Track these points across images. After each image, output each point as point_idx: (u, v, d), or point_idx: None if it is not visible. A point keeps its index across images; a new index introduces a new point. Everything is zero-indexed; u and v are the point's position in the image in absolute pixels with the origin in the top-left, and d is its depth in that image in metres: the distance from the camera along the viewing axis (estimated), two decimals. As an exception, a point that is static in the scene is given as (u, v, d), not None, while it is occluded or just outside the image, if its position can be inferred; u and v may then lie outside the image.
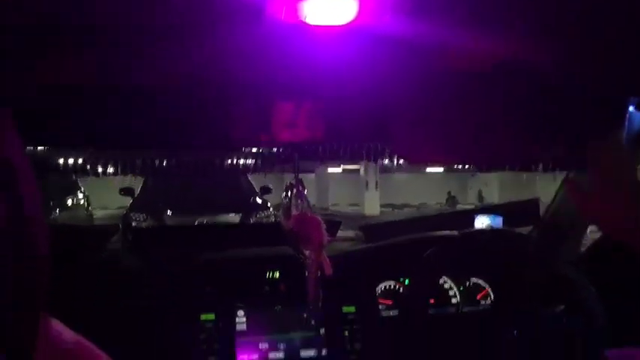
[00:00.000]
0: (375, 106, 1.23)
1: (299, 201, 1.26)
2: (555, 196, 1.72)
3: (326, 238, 1.23)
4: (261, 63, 1.07)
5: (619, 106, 1.24)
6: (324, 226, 1.24)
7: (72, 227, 2.24)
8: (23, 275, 0.44)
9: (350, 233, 2.28)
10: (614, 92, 1.19)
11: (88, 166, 1.15)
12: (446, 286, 1.71)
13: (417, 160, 1.33)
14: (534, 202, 1.79)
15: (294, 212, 1.25)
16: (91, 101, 1.09)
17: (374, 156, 1.31)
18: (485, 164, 1.30)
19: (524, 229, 1.73)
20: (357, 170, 17.68)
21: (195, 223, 5.28)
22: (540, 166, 1.31)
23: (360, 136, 1.31)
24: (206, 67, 1.06)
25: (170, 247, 1.71)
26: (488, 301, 1.69)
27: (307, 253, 1.23)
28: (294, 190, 1.25)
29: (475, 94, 1.14)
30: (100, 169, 1.17)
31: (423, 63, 1.03)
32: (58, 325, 0.70)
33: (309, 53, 1.03)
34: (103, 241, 1.68)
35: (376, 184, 16.41)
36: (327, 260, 1.22)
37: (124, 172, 1.19)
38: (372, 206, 16.00)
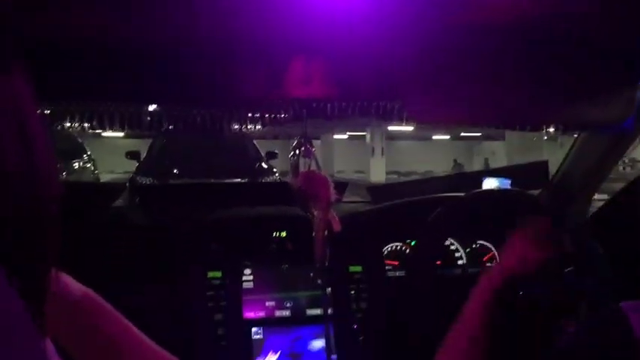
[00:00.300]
0: (386, 63, 1.20)
1: (307, 159, 1.24)
2: (565, 157, 1.70)
3: (334, 196, 1.22)
4: (271, 19, 1.04)
5: (633, 65, 1.22)
6: (331, 184, 1.23)
7: (78, 184, 2.24)
8: (37, 218, 0.43)
9: (356, 199, 2.27)
10: (630, 50, 1.17)
11: (95, 122, 1.14)
12: (452, 247, 1.71)
13: (427, 119, 1.31)
14: (543, 164, 1.78)
15: (301, 170, 1.23)
16: (100, 57, 1.08)
17: (383, 114, 1.29)
18: (495, 123, 1.28)
19: (533, 192, 1.72)
20: (363, 137, 17.63)
21: (201, 187, 5.31)
22: (552, 127, 1.29)
23: (369, 94, 1.29)
24: (215, 23, 1.04)
25: (177, 205, 1.71)
26: (494, 264, 1.69)
27: (314, 211, 1.22)
28: (302, 148, 1.23)
29: (489, 49, 1.12)
30: (106, 125, 1.15)
31: (437, 17, 1.01)
32: (66, 278, 0.70)
33: (319, 9, 1.00)
34: (110, 199, 1.68)
35: (382, 150, 16.37)
36: (336, 218, 1.21)
37: (131, 128, 1.18)
38: (377, 173, 16.00)
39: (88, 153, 9.32)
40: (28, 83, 0.45)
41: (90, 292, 0.74)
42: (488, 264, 1.69)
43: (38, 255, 0.45)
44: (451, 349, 1.05)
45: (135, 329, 0.76)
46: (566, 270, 1.43)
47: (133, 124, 1.19)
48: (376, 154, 16.46)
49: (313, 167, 1.23)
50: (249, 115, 1.25)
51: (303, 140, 1.24)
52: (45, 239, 0.45)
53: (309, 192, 1.21)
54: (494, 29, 1.05)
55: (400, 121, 1.31)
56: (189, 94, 1.21)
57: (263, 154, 8.02)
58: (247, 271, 1.50)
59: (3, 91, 0.41)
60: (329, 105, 1.29)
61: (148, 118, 1.21)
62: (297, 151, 1.25)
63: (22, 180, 0.41)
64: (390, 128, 17.11)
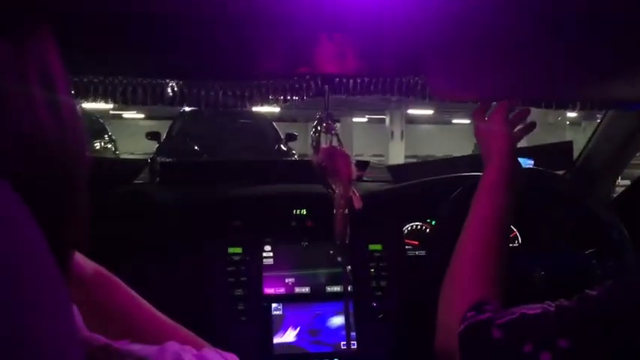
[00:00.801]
0: (410, 38, 1.18)
1: (328, 135, 1.23)
2: (590, 139, 1.67)
3: (355, 172, 1.21)
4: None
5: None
6: (353, 160, 1.22)
7: (100, 159, 2.26)
8: (66, 185, 0.43)
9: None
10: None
11: (118, 96, 1.14)
12: (474, 227, 1.69)
13: (450, 96, 1.29)
14: (568, 145, 1.75)
15: (322, 146, 1.23)
16: (122, 31, 1.08)
17: (406, 90, 1.27)
18: (520, 100, 1.26)
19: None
20: (383, 120, 17.53)
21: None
22: (578, 105, 1.26)
23: (392, 70, 1.28)
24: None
25: (198, 182, 1.71)
26: (516, 244, 1.67)
27: (335, 187, 1.21)
28: (324, 125, 1.22)
29: (515, 24, 1.09)
30: (129, 99, 1.16)
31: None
32: (78, 256, 0.70)
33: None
34: (131, 174, 1.69)
35: (401, 133, 16.27)
36: (357, 194, 1.20)
37: (153, 102, 1.18)
38: (396, 157, 15.91)
39: (109, 134, 9.40)
40: (57, 49, 0.44)
41: (101, 268, 0.74)
42: (510, 244, 1.67)
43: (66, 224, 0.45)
44: (466, 236, 1.02)
45: (147, 304, 0.77)
46: (587, 252, 1.41)
47: (156, 99, 1.19)
48: (395, 137, 16.36)
49: (335, 144, 1.22)
50: (271, 90, 1.24)
51: (324, 116, 1.23)
52: (73, 207, 0.45)
53: (330, 168, 1.20)
54: (523, 3, 1.03)
55: (423, 97, 1.29)
56: (210, 69, 1.21)
57: (282, 136, 8.02)
58: (267, 247, 1.50)
59: (33, 56, 0.40)
60: (351, 81, 1.28)
61: (170, 93, 1.21)
62: (319, 128, 1.24)
63: (53, 146, 0.40)
64: (410, 112, 16.99)
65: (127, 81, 1.15)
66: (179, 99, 1.22)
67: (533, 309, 0.79)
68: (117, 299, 0.73)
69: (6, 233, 0.25)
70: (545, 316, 0.77)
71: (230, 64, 1.21)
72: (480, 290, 0.89)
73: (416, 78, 1.27)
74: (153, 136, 7.97)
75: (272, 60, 1.22)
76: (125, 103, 1.15)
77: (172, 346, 0.53)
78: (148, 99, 1.18)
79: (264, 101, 1.24)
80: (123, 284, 0.75)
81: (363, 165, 1.75)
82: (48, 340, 0.27)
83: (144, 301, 0.76)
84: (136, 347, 0.50)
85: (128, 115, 18.12)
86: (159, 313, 0.77)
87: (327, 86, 1.25)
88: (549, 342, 0.73)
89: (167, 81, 1.18)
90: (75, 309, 0.45)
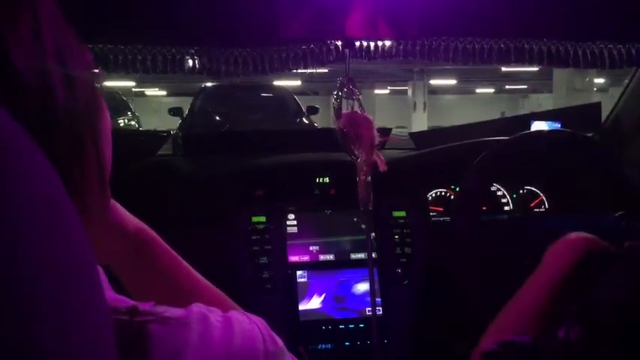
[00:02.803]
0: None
1: (350, 101, 1.21)
2: (619, 100, 1.63)
3: (377, 137, 1.20)
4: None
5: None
6: (375, 125, 1.20)
7: (123, 132, 2.28)
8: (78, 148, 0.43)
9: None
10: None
11: (138, 65, 1.14)
12: (498, 193, 1.67)
13: (474, 58, 1.26)
14: (596, 107, 1.70)
15: (344, 112, 1.21)
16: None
17: (428, 53, 1.25)
18: (547, 61, 1.23)
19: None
20: (405, 91, 17.35)
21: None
22: (607, 63, 1.23)
23: (414, 32, 1.25)
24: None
25: (220, 152, 1.71)
26: (542, 209, 1.65)
27: (358, 153, 1.20)
28: (345, 90, 1.20)
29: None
30: (149, 68, 1.15)
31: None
32: (121, 209, 0.71)
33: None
34: (154, 146, 1.70)
35: (424, 105, 16.10)
36: (381, 157, 1.19)
37: (173, 71, 1.17)
38: (419, 128, 15.74)
39: (133, 111, 9.48)
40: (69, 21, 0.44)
41: (144, 225, 0.75)
42: (536, 210, 1.65)
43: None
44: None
45: (184, 262, 0.77)
46: (616, 214, 1.38)
47: (176, 68, 1.19)
48: (418, 108, 16.19)
49: (357, 109, 1.21)
50: (291, 56, 1.23)
51: (345, 81, 1.21)
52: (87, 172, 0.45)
53: (352, 133, 1.19)
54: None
55: (446, 60, 1.26)
56: (230, 37, 1.20)
57: (304, 109, 7.99)
58: (291, 216, 1.51)
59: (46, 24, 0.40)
60: (372, 44, 1.26)
61: (190, 62, 1.20)
62: (340, 93, 1.22)
63: (64, 112, 0.40)
64: (433, 82, 16.78)
65: (146, 50, 1.15)
66: (199, 67, 1.21)
67: None
68: (159, 254, 0.74)
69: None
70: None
71: (249, 31, 1.20)
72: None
73: (439, 40, 1.24)
74: (175, 112, 8.01)
75: (292, 26, 1.20)
76: (145, 71, 1.14)
77: (198, 307, 0.53)
78: (168, 68, 1.17)
79: (285, 67, 1.23)
80: (162, 241, 0.76)
81: (385, 131, 1.73)
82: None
83: (181, 259, 0.77)
84: (162, 309, 0.50)
85: (150, 92, 18.24)
86: (194, 271, 0.78)
87: (347, 50, 1.23)
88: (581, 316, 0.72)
89: (187, 49, 1.17)
90: (100, 270, 0.45)
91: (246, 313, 0.57)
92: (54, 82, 0.39)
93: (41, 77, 0.38)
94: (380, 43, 1.27)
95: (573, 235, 1.04)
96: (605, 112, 1.73)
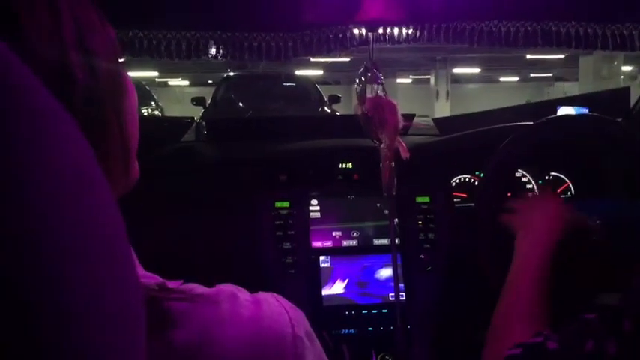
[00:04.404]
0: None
1: (374, 85, 1.21)
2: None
3: (401, 122, 1.19)
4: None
5: None
6: (399, 109, 1.20)
7: (147, 118, 2.30)
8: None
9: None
10: None
11: (163, 49, 1.14)
12: (524, 179, 1.65)
13: (500, 42, 1.24)
14: (624, 91, 1.67)
15: (368, 96, 1.20)
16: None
17: (453, 37, 1.23)
18: (574, 43, 1.20)
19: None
20: (428, 80, 17.19)
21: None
22: (638, 45, 1.20)
23: (438, 17, 1.24)
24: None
25: (244, 138, 1.72)
26: (569, 195, 1.63)
27: (382, 138, 1.19)
28: (369, 74, 1.20)
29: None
30: (173, 54, 1.16)
31: None
32: None
33: None
34: (178, 133, 1.71)
35: (447, 93, 15.95)
36: (404, 144, 1.18)
37: (197, 56, 1.18)
38: (442, 117, 15.60)
39: (156, 100, 9.56)
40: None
41: None
42: (562, 196, 1.63)
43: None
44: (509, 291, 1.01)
45: None
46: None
47: (200, 53, 1.19)
48: (441, 97, 16.04)
49: (380, 93, 1.20)
50: (315, 41, 1.22)
51: (369, 65, 1.20)
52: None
53: (376, 118, 1.18)
54: None
55: (471, 44, 1.25)
56: (253, 22, 1.20)
57: (326, 98, 7.98)
58: (314, 201, 1.51)
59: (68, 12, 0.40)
60: (395, 29, 1.25)
61: (213, 47, 1.21)
62: (364, 78, 1.22)
63: (87, 94, 0.41)
64: (455, 71, 16.60)
65: (171, 35, 1.16)
66: (223, 53, 1.21)
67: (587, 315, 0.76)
68: None
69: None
70: (600, 315, 0.74)
71: (273, 16, 1.20)
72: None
73: (463, 23, 1.22)
74: (198, 101, 8.06)
75: (315, 11, 1.20)
76: (169, 57, 1.15)
77: (227, 286, 0.53)
78: (192, 53, 1.18)
79: (308, 52, 1.22)
80: None
81: (409, 116, 1.72)
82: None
83: None
84: (191, 286, 0.50)
85: (174, 82, 18.36)
86: None
87: (371, 34, 1.22)
88: (613, 329, 0.70)
89: (210, 34, 1.17)
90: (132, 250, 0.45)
91: (274, 294, 0.57)
92: (73, 61, 0.40)
93: (60, 56, 0.38)
94: (404, 28, 1.26)
95: (538, 220, 1.06)
96: (633, 99, 1.69)
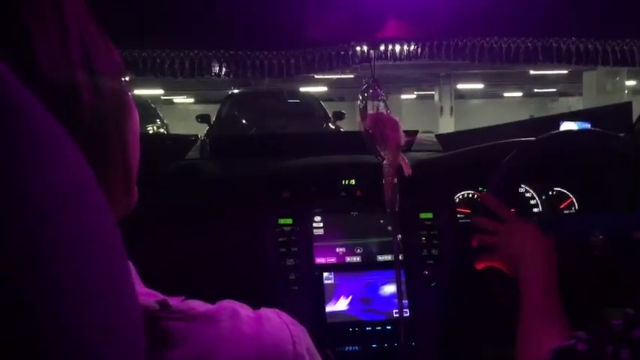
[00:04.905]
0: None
1: (375, 102, 1.22)
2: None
3: (403, 138, 1.20)
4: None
5: None
6: (401, 126, 1.20)
7: (151, 135, 2.31)
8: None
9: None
10: None
11: (166, 67, 1.16)
12: (527, 195, 1.65)
13: (501, 58, 1.25)
14: (627, 107, 1.67)
15: (370, 112, 1.21)
16: (165, 2, 1.09)
17: (454, 53, 1.24)
18: (575, 59, 1.21)
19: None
20: (432, 96, 17.24)
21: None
22: (638, 61, 1.21)
23: (439, 34, 1.25)
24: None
25: (247, 154, 1.73)
26: (573, 210, 1.63)
27: (384, 155, 1.20)
28: (371, 91, 1.21)
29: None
30: (177, 72, 1.17)
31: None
32: None
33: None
34: (183, 150, 1.72)
35: (451, 109, 15.98)
36: (406, 161, 1.19)
37: (200, 74, 1.19)
38: (446, 133, 15.61)
39: (162, 118, 9.62)
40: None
41: None
42: (566, 211, 1.62)
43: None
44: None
45: None
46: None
47: (203, 71, 1.20)
48: (445, 113, 16.06)
49: (382, 110, 1.21)
50: (317, 58, 1.23)
51: (371, 82, 1.21)
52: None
53: (378, 134, 1.19)
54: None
55: (472, 60, 1.26)
56: (256, 38, 1.21)
57: (330, 114, 8.01)
58: (317, 218, 1.51)
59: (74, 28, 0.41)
60: (397, 46, 1.26)
61: (216, 65, 1.22)
62: (366, 94, 1.23)
63: (92, 112, 0.41)
64: (459, 86, 16.65)
65: (174, 54, 1.17)
66: (226, 70, 1.22)
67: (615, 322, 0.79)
68: None
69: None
70: (624, 319, 0.77)
71: (275, 34, 1.21)
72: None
73: (465, 40, 1.23)
74: (203, 118, 8.11)
75: (317, 28, 1.21)
76: (173, 75, 1.16)
77: (229, 303, 0.53)
78: (196, 71, 1.19)
79: (310, 69, 1.23)
80: None
81: (412, 133, 1.73)
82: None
83: None
84: (192, 304, 0.50)
85: (178, 100, 18.47)
86: None
87: (373, 52, 1.24)
88: (626, 337, 0.73)
89: (213, 53, 1.19)
90: (131, 265, 0.45)
91: (277, 310, 0.57)
92: (79, 81, 0.40)
93: (67, 76, 0.39)
94: (405, 45, 1.27)
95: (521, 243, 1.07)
96: (636, 114, 1.69)
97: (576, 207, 1.62)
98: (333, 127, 7.63)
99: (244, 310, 0.52)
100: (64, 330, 0.24)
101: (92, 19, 0.44)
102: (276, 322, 0.53)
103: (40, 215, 0.25)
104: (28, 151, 0.25)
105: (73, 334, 0.25)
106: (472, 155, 1.67)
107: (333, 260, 1.48)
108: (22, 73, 0.32)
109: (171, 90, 15.47)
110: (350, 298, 1.43)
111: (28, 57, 0.35)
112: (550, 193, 1.64)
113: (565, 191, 1.63)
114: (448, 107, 16.02)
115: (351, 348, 1.40)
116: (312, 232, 1.49)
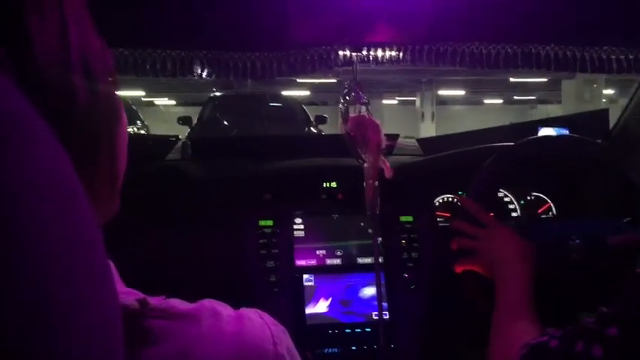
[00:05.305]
0: (439, 4, 1.17)
1: (357, 105, 1.22)
2: (626, 106, 1.63)
3: (384, 141, 1.21)
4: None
5: None
6: (382, 129, 1.21)
7: (132, 136, 2.29)
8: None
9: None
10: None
11: (148, 67, 1.15)
12: (506, 199, 1.67)
13: (481, 63, 1.26)
14: (603, 113, 1.70)
15: (351, 115, 1.22)
16: (151, 3, 1.08)
17: (436, 58, 1.25)
18: (554, 65, 1.23)
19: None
20: (413, 102, 17.37)
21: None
22: (614, 68, 1.23)
23: (421, 38, 1.26)
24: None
25: (228, 156, 1.73)
26: (550, 215, 1.65)
27: (365, 157, 1.20)
28: (353, 94, 1.21)
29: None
30: (159, 72, 1.17)
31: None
32: None
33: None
34: (163, 150, 1.71)
35: (432, 115, 16.11)
36: (387, 164, 1.20)
37: (182, 74, 1.19)
38: (427, 139, 15.71)
39: (142, 120, 9.54)
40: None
41: None
42: (544, 216, 1.65)
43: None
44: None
45: None
46: (624, 221, 1.38)
47: (185, 71, 1.20)
48: (426, 119, 16.19)
49: (364, 113, 1.21)
50: (299, 60, 1.24)
51: (353, 85, 1.22)
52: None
53: (359, 137, 1.20)
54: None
55: (453, 64, 1.27)
56: (238, 40, 1.21)
57: (312, 119, 8.02)
58: (298, 220, 1.51)
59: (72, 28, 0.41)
60: (379, 50, 1.27)
61: (198, 65, 1.22)
62: (348, 97, 1.23)
63: (86, 111, 0.41)
64: (441, 92, 16.78)
65: (156, 53, 1.16)
66: (208, 71, 1.22)
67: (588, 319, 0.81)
68: None
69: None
70: (598, 317, 0.78)
71: (258, 36, 1.21)
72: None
73: (446, 45, 1.25)
74: (185, 120, 8.06)
75: (300, 31, 1.21)
76: (155, 75, 1.15)
77: (210, 302, 0.52)
78: (177, 71, 1.18)
79: (293, 71, 1.24)
80: None
81: (393, 136, 1.74)
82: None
83: None
84: (172, 302, 0.50)
85: (160, 101, 18.35)
86: None
87: (355, 55, 1.24)
88: (599, 334, 0.74)
89: (196, 52, 1.18)
90: (111, 264, 0.45)
91: (258, 310, 0.57)
92: (76, 81, 0.40)
93: (64, 75, 0.39)
94: (387, 49, 1.28)
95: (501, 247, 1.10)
96: (612, 120, 1.72)
97: (554, 212, 1.65)
98: (315, 131, 7.64)
99: (225, 310, 0.52)
100: (38, 327, 0.24)
101: (90, 19, 0.44)
102: (257, 321, 0.53)
103: (18, 210, 0.25)
104: (16, 154, 0.25)
105: (47, 332, 0.25)
106: (452, 159, 1.68)
107: (313, 262, 1.48)
108: (21, 72, 0.32)
109: (153, 91, 15.36)
110: (330, 300, 1.44)
111: (27, 57, 0.35)
112: (528, 197, 1.66)
113: (543, 196, 1.65)
114: (429, 113, 16.15)
115: (330, 350, 1.40)
116: (293, 234, 1.49)
